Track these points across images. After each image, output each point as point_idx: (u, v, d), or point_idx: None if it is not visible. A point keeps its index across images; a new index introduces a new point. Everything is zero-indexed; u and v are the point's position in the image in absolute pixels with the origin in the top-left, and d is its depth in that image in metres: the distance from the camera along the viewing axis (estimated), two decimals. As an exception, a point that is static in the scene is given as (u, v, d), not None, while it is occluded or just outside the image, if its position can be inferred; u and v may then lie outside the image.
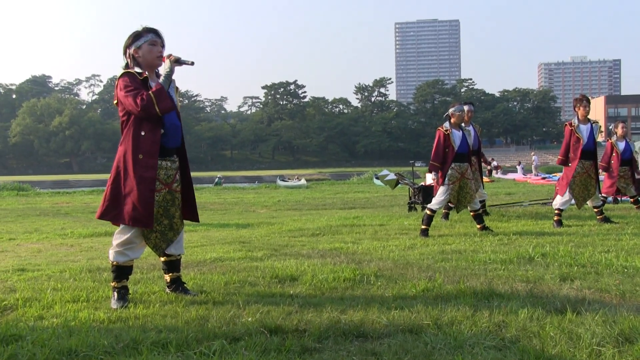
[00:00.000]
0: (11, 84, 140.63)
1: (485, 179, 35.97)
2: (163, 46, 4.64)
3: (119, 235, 4.59)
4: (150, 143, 4.47)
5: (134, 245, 4.61)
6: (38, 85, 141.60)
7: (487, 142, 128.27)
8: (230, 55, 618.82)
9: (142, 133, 4.47)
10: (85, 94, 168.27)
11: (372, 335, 3.54)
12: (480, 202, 10.79)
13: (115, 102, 4.60)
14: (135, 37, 4.61)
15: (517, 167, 49.00)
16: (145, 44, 4.58)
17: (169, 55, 4.53)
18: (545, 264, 5.85)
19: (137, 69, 4.60)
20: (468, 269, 5.72)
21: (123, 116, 4.56)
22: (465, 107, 9.71)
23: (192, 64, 4.61)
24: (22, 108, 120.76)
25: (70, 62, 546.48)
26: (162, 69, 4.54)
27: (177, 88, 4.82)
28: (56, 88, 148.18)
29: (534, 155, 46.26)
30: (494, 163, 22.08)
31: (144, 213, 4.44)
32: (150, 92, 4.36)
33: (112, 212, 4.56)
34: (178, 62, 4.53)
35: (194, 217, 4.95)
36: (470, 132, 9.15)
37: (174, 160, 4.74)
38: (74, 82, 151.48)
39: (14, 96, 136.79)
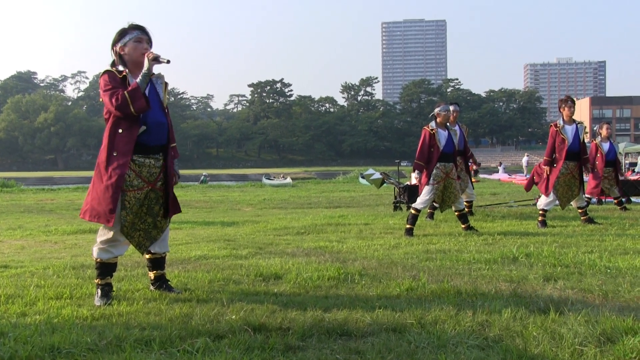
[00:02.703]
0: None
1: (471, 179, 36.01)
2: (150, 43, 4.62)
3: (103, 232, 4.57)
4: (126, 141, 4.44)
5: (118, 242, 4.59)
6: (23, 81, 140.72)
7: (473, 142, 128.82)
8: (217, 53, 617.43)
9: (120, 131, 4.46)
10: (71, 91, 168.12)
11: (356, 333, 3.55)
12: (468, 202, 10.84)
13: (101, 99, 4.60)
14: (121, 34, 4.59)
15: (499, 167, 49.44)
16: (131, 41, 4.56)
17: (148, 54, 4.50)
18: (529, 264, 5.88)
19: (120, 67, 4.59)
20: (452, 268, 5.74)
21: (105, 114, 4.55)
22: (451, 107, 9.75)
23: (168, 62, 4.55)
24: (7, 104, 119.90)
25: (56, 58, 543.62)
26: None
27: (166, 84, 4.80)
28: (41, 84, 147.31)
29: (527, 155, 46.57)
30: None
31: (106, 209, 4.40)
32: (124, 91, 4.35)
33: (83, 209, 4.59)
34: (156, 60, 4.49)
35: (177, 209, 4.91)
36: (456, 132, 9.20)
37: (158, 159, 4.68)
38: (60, 79, 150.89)
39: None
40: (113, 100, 4.33)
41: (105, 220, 4.42)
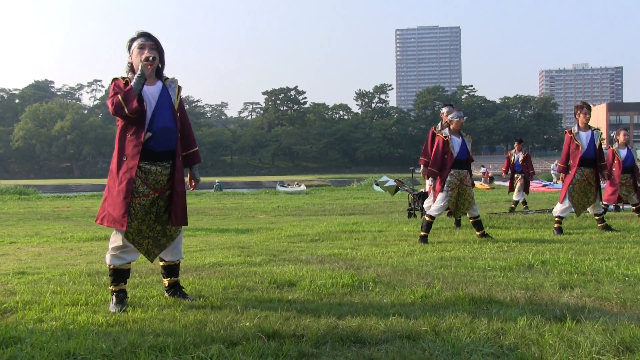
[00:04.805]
0: (14, 89, 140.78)
1: (485, 186, 36.04)
2: (156, 49, 4.63)
3: (114, 239, 4.61)
4: (133, 145, 4.51)
5: (128, 248, 4.61)
6: (40, 90, 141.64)
7: (488, 149, 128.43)
8: (232, 61, 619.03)
9: (128, 135, 4.54)
10: (87, 99, 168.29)
11: (370, 341, 3.54)
12: None
13: None
14: (130, 42, 4.67)
15: None
16: (135, 48, 4.62)
17: (142, 57, 4.51)
18: (545, 271, 5.84)
19: (131, 74, 4.64)
20: (467, 275, 5.72)
21: (117, 120, 4.63)
22: (444, 109, 9.81)
23: (153, 60, 4.53)
24: (25, 113, 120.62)
25: (73, 67, 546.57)
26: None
27: (179, 87, 4.80)
28: (58, 93, 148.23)
29: (555, 163, 46.53)
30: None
31: (119, 213, 4.45)
32: (118, 95, 4.42)
33: (100, 214, 4.64)
34: (147, 60, 4.50)
35: (181, 220, 4.71)
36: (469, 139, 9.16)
37: (166, 166, 4.66)
38: (76, 87, 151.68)
39: (16, 101, 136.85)
40: (110, 105, 4.44)
41: (119, 225, 4.45)
